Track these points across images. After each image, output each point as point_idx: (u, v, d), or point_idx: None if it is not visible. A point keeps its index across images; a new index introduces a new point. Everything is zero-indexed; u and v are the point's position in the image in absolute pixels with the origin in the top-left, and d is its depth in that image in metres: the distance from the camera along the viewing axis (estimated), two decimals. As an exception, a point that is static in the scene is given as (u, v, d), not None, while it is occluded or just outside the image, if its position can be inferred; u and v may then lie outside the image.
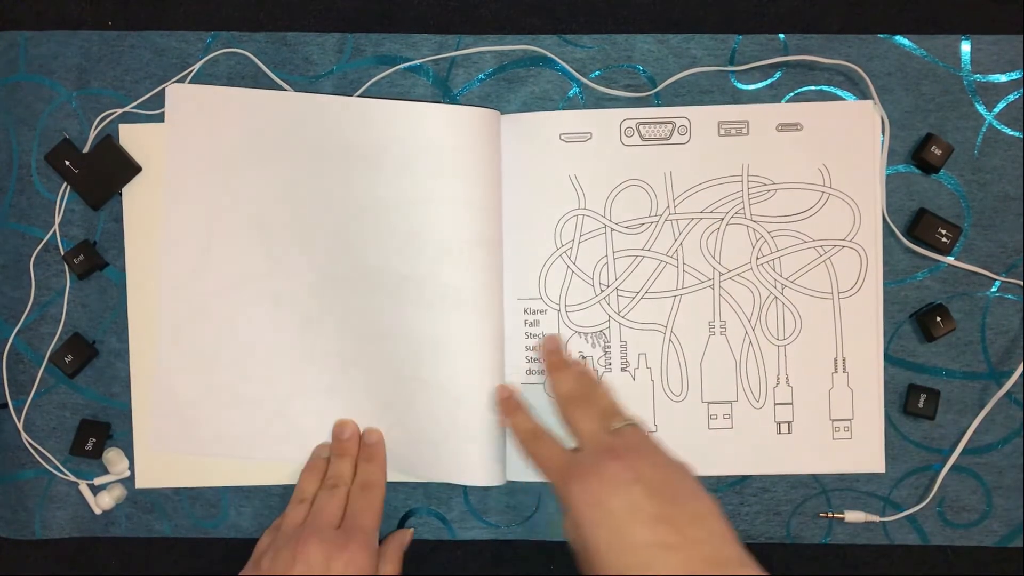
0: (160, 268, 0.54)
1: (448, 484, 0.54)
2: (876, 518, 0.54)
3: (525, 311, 0.54)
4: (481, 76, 0.55)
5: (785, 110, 0.54)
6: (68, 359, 0.54)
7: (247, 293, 0.54)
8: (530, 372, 0.53)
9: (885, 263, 0.54)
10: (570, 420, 0.48)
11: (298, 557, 0.46)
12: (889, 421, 0.55)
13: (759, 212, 0.53)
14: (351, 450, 0.53)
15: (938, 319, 0.53)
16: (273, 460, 0.54)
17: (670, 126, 0.53)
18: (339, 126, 0.52)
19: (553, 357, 0.52)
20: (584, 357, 0.54)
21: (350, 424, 0.54)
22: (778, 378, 0.54)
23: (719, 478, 0.55)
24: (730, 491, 0.55)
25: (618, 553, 0.40)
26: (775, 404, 0.54)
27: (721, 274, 0.54)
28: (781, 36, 0.55)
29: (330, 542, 0.47)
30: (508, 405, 0.51)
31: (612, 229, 0.53)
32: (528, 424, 0.50)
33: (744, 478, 0.55)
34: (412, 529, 0.55)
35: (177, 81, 0.55)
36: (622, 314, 0.53)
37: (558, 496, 0.45)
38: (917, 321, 0.54)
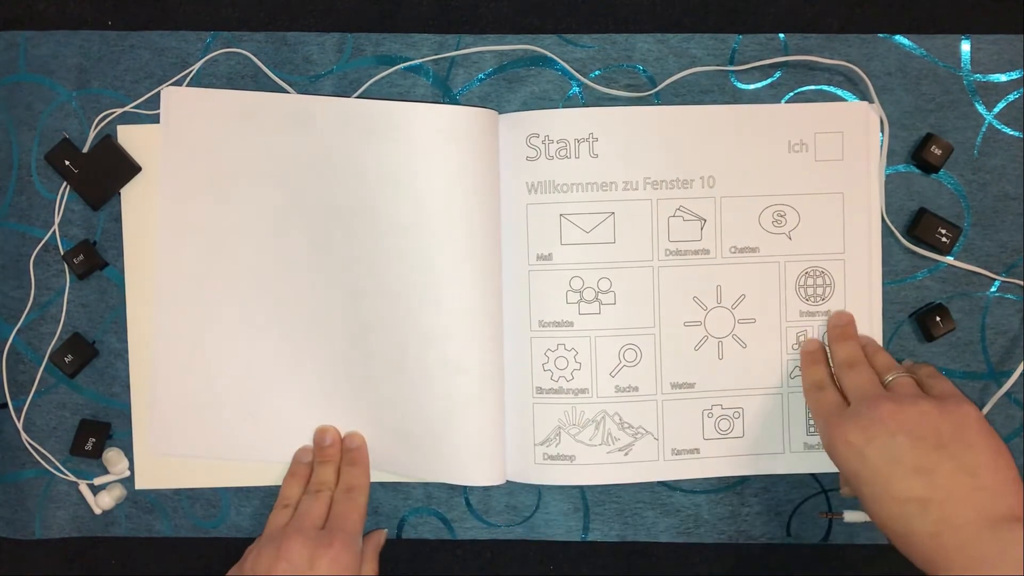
0: (156, 271, 0.54)
1: (448, 484, 0.54)
2: (876, 518, 0.54)
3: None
4: (481, 76, 0.55)
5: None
6: (68, 359, 0.54)
7: (243, 295, 0.54)
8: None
9: (885, 263, 0.54)
10: (843, 380, 0.48)
11: (281, 555, 0.46)
12: (889, 421, 0.55)
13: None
14: (334, 456, 0.53)
15: (938, 319, 0.53)
16: (271, 461, 0.55)
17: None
18: (335, 127, 0.52)
19: (837, 330, 0.52)
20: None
21: (331, 430, 0.54)
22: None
23: (720, 478, 0.55)
24: (730, 491, 0.55)
25: (878, 506, 0.40)
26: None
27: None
28: (781, 36, 0.55)
29: (314, 541, 0.47)
30: (810, 357, 0.52)
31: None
32: (816, 376, 0.50)
33: (744, 478, 0.55)
34: (385, 530, 0.55)
35: (177, 81, 0.55)
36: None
37: (824, 444, 0.46)
38: (917, 321, 0.54)
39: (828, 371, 0.51)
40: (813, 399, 0.50)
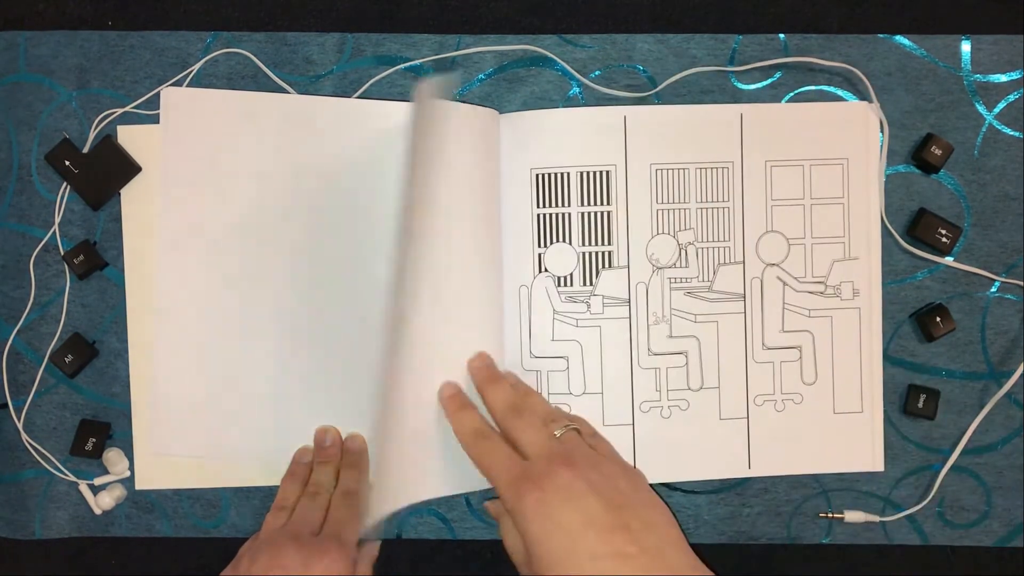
0: (156, 272, 0.54)
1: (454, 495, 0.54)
2: (876, 518, 0.54)
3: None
4: (481, 76, 0.55)
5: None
6: (68, 359, 0.54)
7: (241, 298, 0.54)
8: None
9: (885, 263, 0.54)
10: (511, 431, 0.46)
11: (275, 563, 0.46)
12: (889, 421, 0.55)
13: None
14: (333, 457, 0.53)
15: (938, 319, 0.53)
16: (271, 462, 0.54)
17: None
18: (333, 127, 0.52)
19: (484, 372, 0.50)
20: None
21: (332, 431, 0.54)
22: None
23: (721, 480, 0.55)
24: (731, 492, 0.55)
25: (574, 564, 0.40)
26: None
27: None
28: (781, 36, 0.55)
29: (309, 547, 0.46)
30: (453, 403, 0.49)
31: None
32: (474, 424, 0.47)
33: (745, 479, 0.55)
34: (379, 543, 0.53)
35: (177, 81, 0.55)
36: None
37: (505, 503, 0.43)
38: (917, 321, 0.54)
39: (480, 416, 0.48)
40: (479, 450, 0.46)
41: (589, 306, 0.53)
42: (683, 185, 0.53)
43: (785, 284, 0.54)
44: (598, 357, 0.53)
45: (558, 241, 0.53)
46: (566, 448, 0.44)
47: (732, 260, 0.54)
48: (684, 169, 0.53)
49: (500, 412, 0.47)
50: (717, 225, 0.54)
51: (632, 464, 0.47)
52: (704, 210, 0.53)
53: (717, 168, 0.53)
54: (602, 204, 0.53)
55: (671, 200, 0.53)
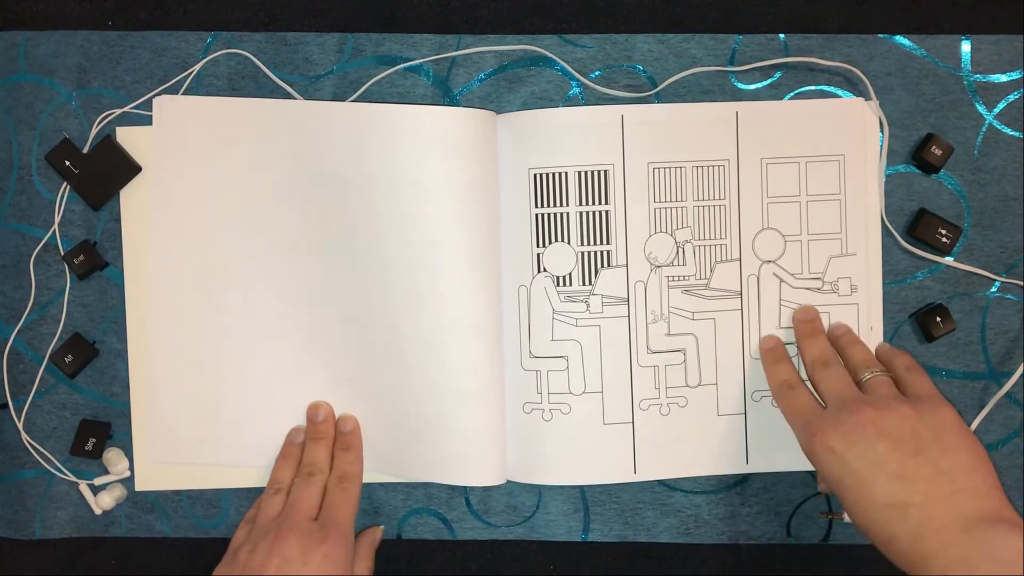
0: (151, 280, 0.54)
1: (448, 484, 0.54)
2: (876, 518, 0.54)
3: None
4: (481, 76, 0.55)
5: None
6: (68, 359, 0.54)
7: (240, 299, 0.54)
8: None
9: (885, 263, 0.54)
10: (818, 382, 0.48)
11: (275, 551, 0.46)
12: (889, 421, 0.55)
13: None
14: (327, 433, 0.53)
15: (938, 319, 0.53)
16: (271, 462, 0.54)
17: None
18: (330, 132, 0.52)
19: (804, 325, 0.52)
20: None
21: (324, 406, 0.53)
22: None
23: (720, 478, 0.55)
24: (731, 492, 0.55)
25: (861, 512, 0.40)
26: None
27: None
28: (781, 36, 0.55)
29: (307, 536, 0.47)
30: (772, 355, 0.51)
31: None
32: (785, 375, 0.50)
33: (745, 478, 0.55)
34: (382, 527, 0.54)
35: (178, 81, 0.55)
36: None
37: (802, 449, 0.45)
38: (917, 321, 0.54)
39: (794, 368, 0.51)
40: (785, 399, 0.49)
41: (588, 305, 0.53)
42: (680, 183, 0.53)
43: (782, 281, 0.54)
44: (598, 356, 0.53)
45: (556, 241, 0.53)
46: (861, 394, 0.45)
47: (729, 258, 0.54)
48: (681, 168, 0.53)
49: (811, 365, 0.50)
50: (714, 223, 0.54)
51: (928, 407, 0.44)
52: (701, 208, 0.53)
53: (713, 166, 0.53)
54: (600, 203, 0.53)
55: (668, 199, 0.53)
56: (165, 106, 0.54)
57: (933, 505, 0.38)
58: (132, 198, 0.55)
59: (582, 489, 0.55)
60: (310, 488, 0.50)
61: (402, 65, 0.55)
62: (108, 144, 0.54)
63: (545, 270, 0.53)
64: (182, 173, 0.54)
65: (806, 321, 0.52)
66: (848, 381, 0.47)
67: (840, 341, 0.51)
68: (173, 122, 0.54)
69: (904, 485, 0.39)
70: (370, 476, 0.54)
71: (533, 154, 0.53)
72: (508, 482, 0.54)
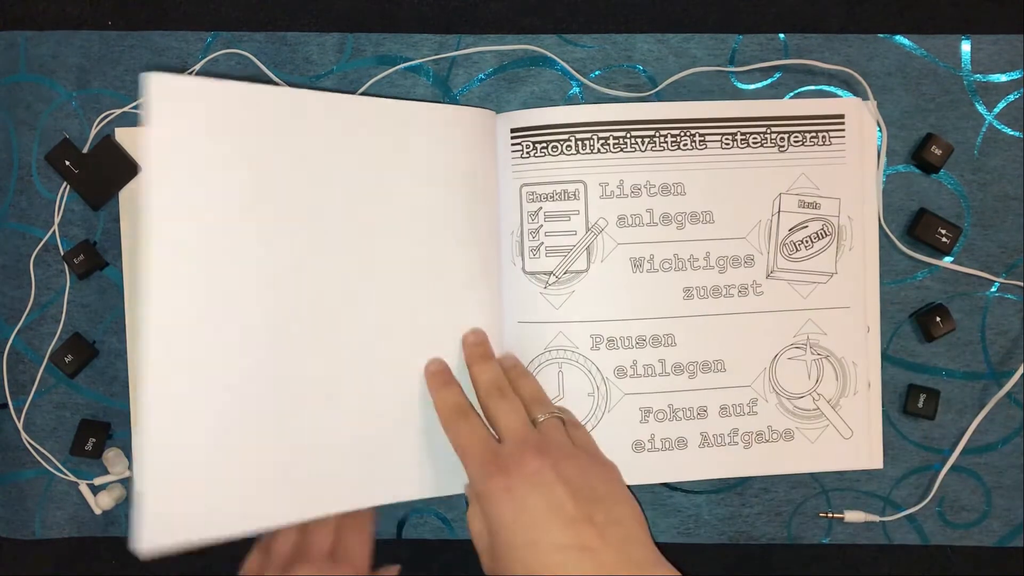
0: (148, 289, 0.46)
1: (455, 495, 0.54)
2: (876, 518, 0.54)
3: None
4: (481, 76, 0.55)
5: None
6: (68, 359, 0.54)
7: (239, 303, 0.53)
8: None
9: (884, 263, 0.54)
10: (492, 412, 0.46)
11: None
12: (889, 421, 0.55)
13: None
14: None
15: (938, 319, 0.53)
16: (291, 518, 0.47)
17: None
18: (330, 124, 0.51)
19: (476, 349, 0.49)
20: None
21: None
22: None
23: (721, 480, 0.55)
24: (731, 492, 0.55)
25: (534, 553, 0.40)
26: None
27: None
28: (781, 36, 0.55)
29: (322, 572, 0.46)
30: (436, 379, 0.48)
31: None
32: (453, 400, 0.46)
33: (745, 479, 0.55)
34: (399, 566, 0.52)
35: (177, 81, 0.55)
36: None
37: (473, 485, 0.43)
38: (917, 321, 0.54)
39: (463, 394, 0.47)
40: (456, 427, 0.45)
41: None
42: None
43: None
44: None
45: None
46: (542, 436, 0.44)
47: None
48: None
49: (484, 391, 0.47)
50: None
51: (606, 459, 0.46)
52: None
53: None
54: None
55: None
56: (159, 87, 0.44)
57: (608, 549, 0.40)
58: (132, 198, 0.55)
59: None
60: (324, 524, 0.49)
61: (402, 65, 0.55)
62: (108, 144, 0.54)
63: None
64: (179, 161, 0.47)
65: (477, 344, 0.50)
66: (525, 419, 0.45)
67: (510, 373, 0.49)
68: (168, 106, 0.45)
69: (584, 529, 0.40)
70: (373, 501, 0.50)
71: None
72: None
